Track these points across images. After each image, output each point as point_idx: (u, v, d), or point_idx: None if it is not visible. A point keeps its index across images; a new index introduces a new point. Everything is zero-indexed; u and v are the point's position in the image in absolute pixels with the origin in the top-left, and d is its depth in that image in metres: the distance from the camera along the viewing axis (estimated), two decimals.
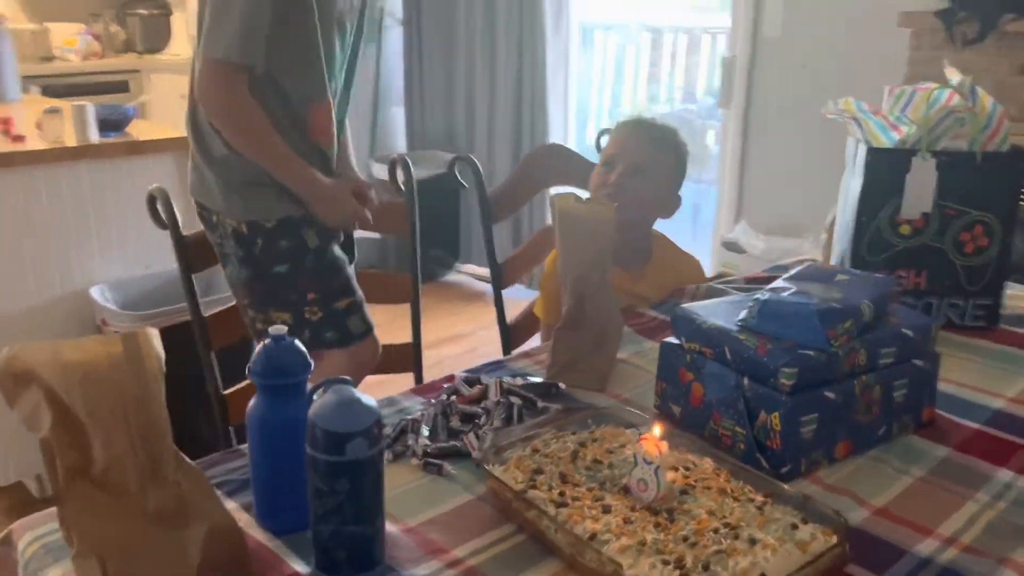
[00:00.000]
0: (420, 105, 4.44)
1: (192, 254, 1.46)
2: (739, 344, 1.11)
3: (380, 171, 4.07)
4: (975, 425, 1.22)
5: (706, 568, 0.83)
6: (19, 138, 2.38)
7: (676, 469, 1.00)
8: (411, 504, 1.02)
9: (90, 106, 2.36)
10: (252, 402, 0.93)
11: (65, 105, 2.42)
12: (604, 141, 1.87)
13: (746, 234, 3.22)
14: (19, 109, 2.99)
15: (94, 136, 2.36)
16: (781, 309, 1.11)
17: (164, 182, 2.41)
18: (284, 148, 1.47)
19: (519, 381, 1.30)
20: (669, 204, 1.68)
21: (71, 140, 2.35)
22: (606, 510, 0.92)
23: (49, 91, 4.74)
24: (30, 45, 4.93)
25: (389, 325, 1.77)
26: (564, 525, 0.91)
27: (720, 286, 1.60)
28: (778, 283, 1.21)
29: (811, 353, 1.07)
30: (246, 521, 0.97)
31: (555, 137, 3.93)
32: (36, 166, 2.25)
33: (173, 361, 0.84)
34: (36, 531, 0.94)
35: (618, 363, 1.38)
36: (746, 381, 1.10)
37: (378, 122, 4.48)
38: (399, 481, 1.07)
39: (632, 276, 1.66)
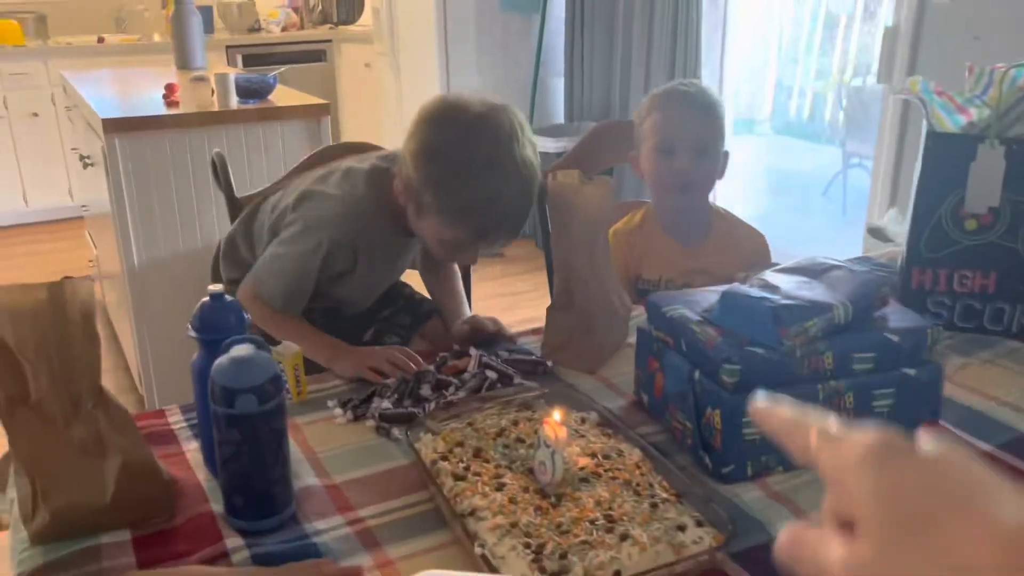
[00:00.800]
0: (579, 76, 4.42)
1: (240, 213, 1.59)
2: (693, 336, 1.06)
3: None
4: (987, 447, 1.09)
5: (562, 557, 0.83)
6: (175, 103, 2.66)
7: (594, 456, 0.99)
8: (345, 462, 1.08)
9: (231, 75, 2.59)
10: (195, 356, 1.02)
11: (208, 73, 2.67)
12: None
13: (894, 222, 2.96)
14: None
15: (233, 102, 2.59)
16: (739, 303, 1.04)
17: (291, 145, 2.65)
18: (310, 344, 1.33)
19: (508, 356, 1.32)
20: (721, 167, 1.61)
21: (214, 106, 2.60)
22: (498, 488, 0.93)
23: (250, 60, 5.21)
24: (237, 17, 5.43)
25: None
26: (453, 498, 0.93)
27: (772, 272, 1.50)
28: (769, 273, 1.14)
29: (759, 351, 1.00)
30: (197, 461, 1.07)
31: None
32: (182, 129, 2.51)
33: None
34: None
35: (626, 347, 1.36)
36: (697, 374, 1.05)
37: (537, 92, 4.52)
38: (346, 440, 1.13)
39: (690, 251, 1.61)
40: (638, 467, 0.97)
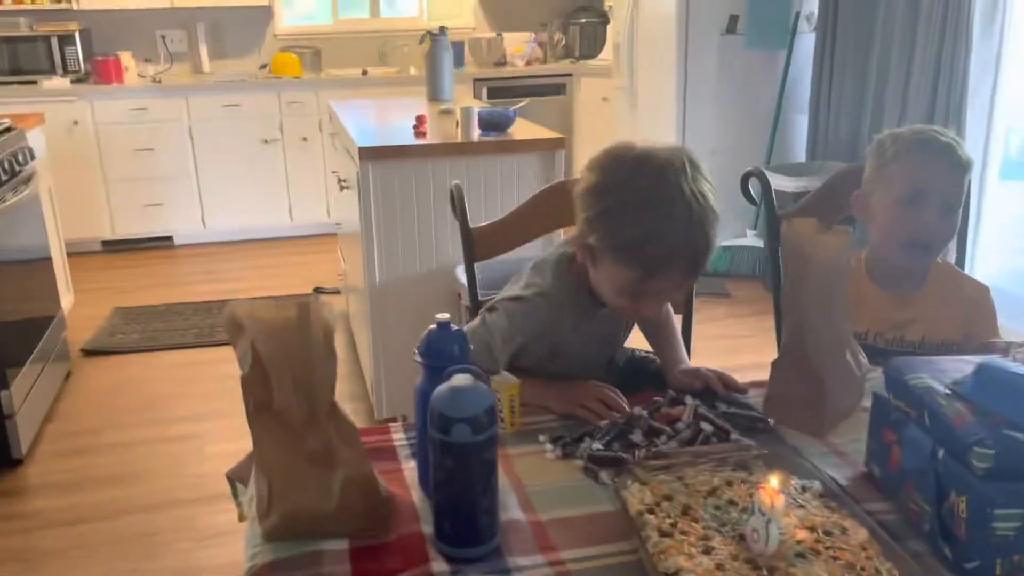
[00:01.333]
0: (826, 113, 4.21)
1: (477, 244, 1.65)
2: (938, 409, 0.95)
3: (774, 182, 3.98)
4: None
5: None
6: (423, 134, 2.84)
7: (813, 530, 0.92)
8: (552, 500, 1.08)
9: (474, 109, 2.72)
10: (418, 380, 1.07)
11: (453, 106, 2.82)
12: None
13: None
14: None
15: (475, 135, 2.72)
16: (1001, 378, 0.93)
17: (526, 177, 2.73)
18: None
19: (727, 409, 1.26)
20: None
21: (457, 138, 2.74)
22: (706, 551, 0.89)
23: (495, 92, 5.46)
24: (485, 52, 5.71)
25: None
26: (658, 554, 0.90)
27: None
28: None
29: (1019, 436, 0.88)
30: (413, 480, 1.12)
31: (973, 149, 3.45)
32: (426, 159, 2.67)
33: None
34: None
35: (860, 411, 1.26)
36: (941, 453, 0.94)
37: (778, 129, 4.36)
38: (554, 477, 1.13)
39: (902, 301, 1.47)
40: (863, 548, 0.89)
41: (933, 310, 1.47)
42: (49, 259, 3.38)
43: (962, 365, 1.02)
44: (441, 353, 1.04)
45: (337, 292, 4.22)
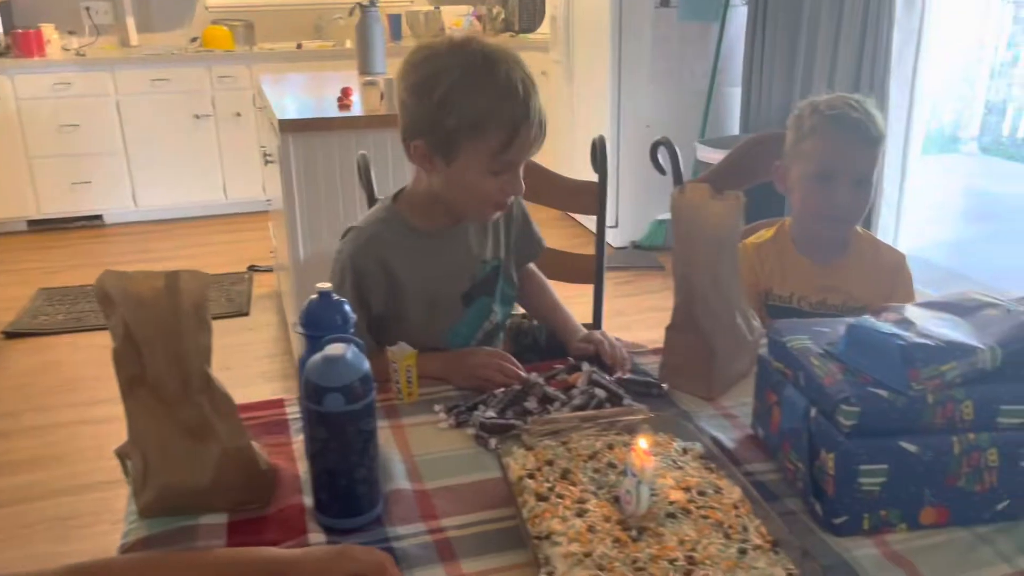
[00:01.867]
0: (758, 86, 4.25)
1: None
2: (812, 370, 0.97)
3: (706, 154, 4.01)
4: None
5: None
6: (347, 106, 2.80)
7: (688, 490, 0.93)
8: (440, 469, 1.07)
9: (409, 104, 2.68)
10: (302, 351, 1.05)
11: (378, 78, 2.77)
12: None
13: None
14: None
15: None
16: (867, 338, 0.94)
17: None
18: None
19: (621, 374, 1.27)
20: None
21: (382, 110, 2.70)
22: (580, 514, 0.89)
23: None
24: (423, 25, 5.64)
25: (573, 302, 1.76)
26: (532, 519, 0.90)
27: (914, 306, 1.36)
28: (909, 307, 1.03)
29: (882, 393, 0.90)
30: (301, 453, 1.10)
31: (895, 123, 3.52)
32: (349, 131, 2.63)
33: None
34: None
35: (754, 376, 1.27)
36: (813, 412, 0.96)
37: (712, 103, 4.38)
38: (445, 447, 1.13)
39: (825, 268, 1.50)
40: (735, 508, 0.90)
41: (854, 277, 1.49)
42: None
43: (840, 327, 1.03)
44: (321, 323, 1.03)
45: (270, 270, 4.15)
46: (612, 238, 4.49)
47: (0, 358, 3.34)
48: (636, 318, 3.59)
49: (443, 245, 1.40)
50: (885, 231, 3.70)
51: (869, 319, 0.98)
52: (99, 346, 3.41)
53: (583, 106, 4.67)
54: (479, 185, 1.29)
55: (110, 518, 2.28)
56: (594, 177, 1.73)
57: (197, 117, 5.02)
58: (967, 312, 1.00)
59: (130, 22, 5.26)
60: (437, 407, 1.21)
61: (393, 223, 1.38)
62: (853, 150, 1.42)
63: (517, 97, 1.23)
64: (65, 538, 2.21)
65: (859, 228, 1.53)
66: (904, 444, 0.90)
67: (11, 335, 3.52)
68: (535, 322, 1.62)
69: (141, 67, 4.88)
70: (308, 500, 1.00)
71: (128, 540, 0.95)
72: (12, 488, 2.46)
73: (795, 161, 1.49)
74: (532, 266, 1.59)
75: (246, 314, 3.74)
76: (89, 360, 3.29)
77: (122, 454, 1.18)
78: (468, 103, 1.22)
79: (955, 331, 0.95)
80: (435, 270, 1.39)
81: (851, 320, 0.98)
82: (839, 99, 1.45)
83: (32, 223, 4.95)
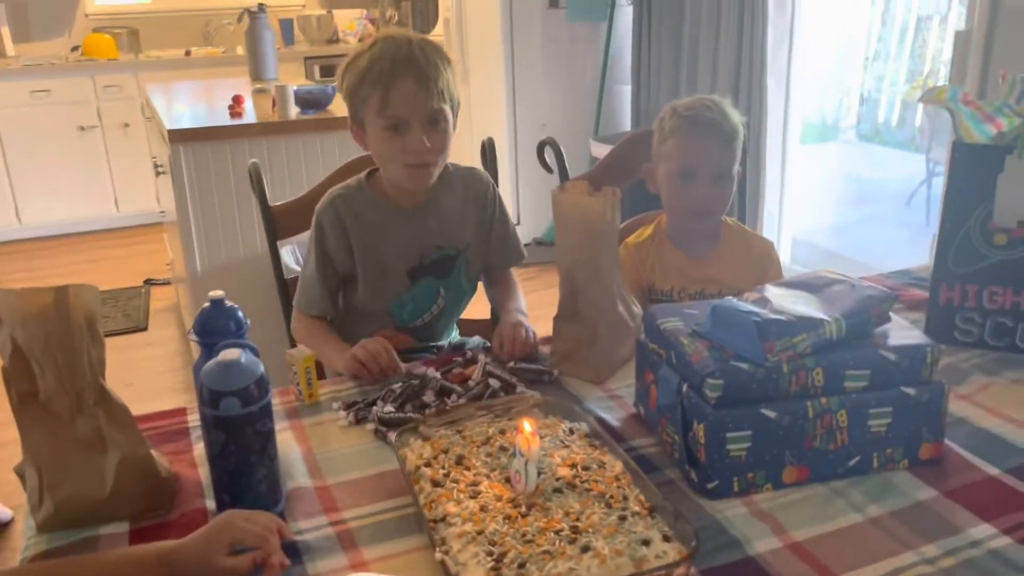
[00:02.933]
0: (647, 83, 4.40)
1: (278, 224, 1.65)
2: (681, 349, 1.05)
3: (600, 150, 4.13)
4: (993, 471, 1.05)
5: (521, 566, 0.84)
6: (239, 114, 2.78)
7: (574, 467, 0.99)
8: (340, 465, 1.11)
9: (290, 87, 2.68)
10: (196, 359, 1.07)
11: (270, 85, 2.77)
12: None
13: None
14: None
15: (292, 113, 2.68)
16: (727, 317, 1.03)
17: (348, 154, 2.72)
18: (325, 352, 1.43)
19: (514, 364, 1.33)
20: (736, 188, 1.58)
21: (274, 117, 2.70)
22: (474, 496, 0.95)
23: (327, 70, 5.36)
24: (316, 29, 5.60)
25: (476, 298, 1.82)
26: (428, 504, 0.95)
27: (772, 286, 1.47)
28: (768, 287, 1.12)
29: (743, 366, 0.99)
30: (202, 458, 1.12)
31: (773, 115, 3.71)
32: (241, 139, 2.61)
33: None
34: None
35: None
36: (685, 388, 1.04)
37: (604, 100, 4.52)
38: (345, 443, 1.17)
39: (699, 261, 1.59)
40: (617, 480, 0.97)
41: (727, 266, 1.59)
42: None
43: (707, 308, 1.12)
44: (215, 330, 1.05)
45: (168, 283, 4.07)
46: None
47: None
48: (541, 312, 3.65)
49: (401, 220, 1.51)
50: (770, 218, 3.89)
51: (731, 299, 1.06)
52: None
53: (479, 106, 4.73)
54: (386, 145, 1.43)
55: (6, 544, 2.22)
56: None
57: (82, 129, 4.87)
58: (818, 289, 1.10)
59: (4, 31, 5.05)
60: (336, 405, 1.25)
61: (360, 192, 1.52)
62: (709, 147, 1.52)
63: (383, 60, 1.38)
64: None
65: (728, 220, 1.63)
66: (765, 411, 0.99)
67: None
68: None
69: (19, 78, 4.70)
70: (211, 503, 1.02)
71: (27, 555, 0.96)
72: None
73: (660, 161, 1.59)
74: (511, 271, 1.68)
75: (145, 329, 3.66)
76: None
77: (20, 472, 1.18)
78: (351, 74, 1.42)
79: (806, 306, 1.04)
80: (388, 241, 1.51)
81: (715, 301, 1.06)
82: (696, 101, 1.54)
83: None
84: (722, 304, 1.05)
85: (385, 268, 1.51)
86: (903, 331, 1.06)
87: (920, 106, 5.09)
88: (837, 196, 5.12)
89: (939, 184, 4.71)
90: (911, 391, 1.02)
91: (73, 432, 0.98)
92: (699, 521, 0.96)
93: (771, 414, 0.99)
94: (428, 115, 1.41)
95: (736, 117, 1.53)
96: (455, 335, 1.69)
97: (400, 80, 1.38)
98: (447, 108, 1.44)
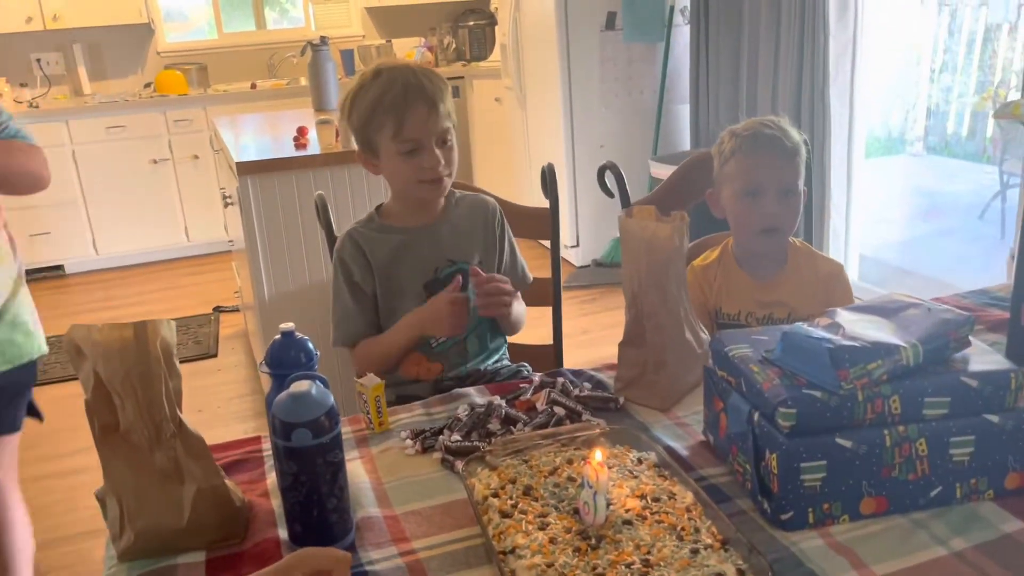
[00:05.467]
0: (705, 102, 4.37)
1: None
2: (751, 376, 1.03)
3: (659, 171, 4.11)
4: None
5: None
6: (303, 145, 2.84)
7: (643, 498, 0.98)
8: (408, 494, 1.12)
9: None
10: (269, 390, 1.09)
11: (333, 116, 2.83)
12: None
13: None
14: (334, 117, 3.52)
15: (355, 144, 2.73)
16: (799, 343, 1.01)
17: None
18: (394, 339, 1.55)
19: (580, 391, 1.32)
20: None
21: (337, 147, 2.75)
22: (542, 527, 0.94)
23: None
24: (375, 59, 5.71)
25: (534, 323, 1.82)
26: (497, 535, 0.95)
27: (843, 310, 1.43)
28: (840, 311, 1.10)
29: (816, 394, 0.97)
30: (275, 488, 1.14)
31: (837, 130, 3.65)
32: (306, 170, 2.67)
33: None
34: None
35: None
36: (756, 416, 1.02)
37: (662, 121, 4.50)
38: (413, 472, 1.17)
39: (766, 285, 1.57)
40: (688, 511, 0.96)
41: (795, 289, 1.56)
42: None
43: (777, 334, 1.10)
44: (285, 361, 1.07)
45: (236, 310, 4.17)
46: (574, 257, 4.57)
47: None
48: (600, 335, 3.66)
49: (413, 240, 1.59)
50: (836, 235, 3.81)
51: (802, 326, 1.04)
52: (65, 397, 3.40)
53: (537, 130, 4.76)
54: (400, 168, 1.52)
55: (85, 570, 2.28)
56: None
57: (155, 162, 5.04)
58: (892, 313, 1.07)
59: (82, 71, 5.28)
60: (403, 434, 1.26)
61: (372, 223, 1.61)
62: (772, 163, 1.51)
63: (396, 87, 1.47)
64: None
65: (796, 241, 1.61)
66: (840, 440, 0.96)
67: None
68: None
69: (95, 115, 4.90)
70: (283, 533, 1.04)
71: None
72: None
73: (723, 184, 1.58)
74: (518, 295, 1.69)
75: (214, 355, 3.75)
76: (56, 412, 3.26)
77: (100, 497, 1.22)
78: (361, 103, 1.50)
79: (880, 331, 1.01)
80: (403, 261, 1.58)
81: (785, 327, 1.04)
82: (754, 121, 1.54)
83: None
84: (793, 330, 1.03)
85: (403, 288, 1.58)
86: (984, 356, 1.03)
87: (991, 117, 4.94)
88: (905, 211, 4.99)
89: (1014, 196, 4.56)
90: (995, 419, 0.99)
91: (152, 463, 1.01)
92: (774, 554, 0.94)
93: (846, 443, 0.97)
94: (439, 135, 1.51)
95: (796, 134, 1.51)
96: (502, 362, 1.68)
97: (413, 107, 1.46)
98: (452, 127, 1.54)
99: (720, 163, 1.56)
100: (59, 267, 5.07)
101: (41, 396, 3.42)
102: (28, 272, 5.02)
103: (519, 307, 1.65)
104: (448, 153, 1.53)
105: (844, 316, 1.06)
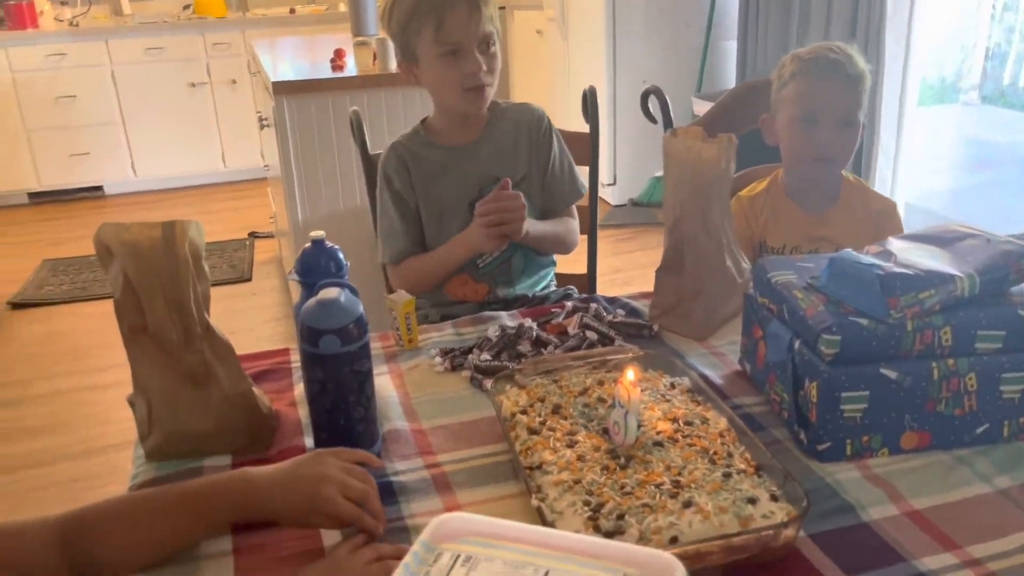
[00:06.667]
0: (753, 39, 4.22)
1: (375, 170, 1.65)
2: (795, 303, 0.99)
3: (702, 108, 4.00)
4: None
5: (619, 518, 0.81)
6: (340, 67, 2.80)
7: (675, 421, 0.96)
8: (435, 409, 1.10)
9: (390, 40, 2.68)
10: (297, 299, 1.08)
11: (371, 39, 2.77)
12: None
13: None
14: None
15: (392, 66, 2.68)
16: (847, 270, 0.96)
17: None
18: (440, 258, 1.53)
19: (613, 317, 1.29)
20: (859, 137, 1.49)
21: (375, 70, 2.70)
22: (570, 445, 0.92)
23: None
24: None
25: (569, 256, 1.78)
26: (524, 451, 0.93)
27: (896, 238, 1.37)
28: (892, 240, 1.05)
29: (863, 322, 0.92)
30: (302, 397, 1.13)
31: (891, 74, 3.51)
32: (343, 91, 2.63)
33: None
34: None
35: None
36: (797, 344, 0.98)
37: (708, 57, 4.36)
38: (441, 388, 1.16)
39: (816, 218, 1.51)
40: (721, 436, 0.93)
41: (845, 225, 1.50)
42: None
43: (824, 261, 1.05)
44: (315, 269, 1.05)
45: (271, 236, 4.18)
46: (610, 196, 4.50)
47: (7, 329, 3.38)
48: (634, 274, 3.61)
49: (458, 157, 1.54)
50: (883, 182, 3.70)
51: (851, 252, 1.00)
52: (103, 314, 3.45)
53: (578, 63, 4.65)
54: (442, 74, 1.46)
55: (118, 479, 2.33)
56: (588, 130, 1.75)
57: (193, 85, 5.02)
58: (947, 243, 1.02)
59: None
60: (433, 351, 1.24)
61: (416, 137, 1.58)
62: (834, 89, 1.43)
63: None
64: (77, 500, 2.23)
65: (850, 175, 1.54)
66: (885, 371, 0.93)
67: (17, 306, 3.56)
68: None
69: (134, 36, 4.86)
70: (309, 441, 1.03)
71: (136, 482, 0.99)
72: (25, 453, 2.51)
73: (779, 109, 1.50)
74: (571, 215, 1.66)
75: (248, 280, 3.77)
76: (94, 328, 3.33)
77: (131, 401, 1.22)
78: (400, 10, 1.46)
79: (935, 261, 0.97)
80: (447, 178, 1.54)
81: (833, 254, 1.00)
82: (819, 45, 1.46)
83: (33, 195, 4.97)
84: (841, 256, 0.98)
85: (446, 205, 1.54)
86: None
87: None
88: (955, 160, 4.84)
89: None
90: None
91: (180, 365, 1.00)
92: (808, 483, 0.91)
93: (891, 374, 0.93)
94: (481, 39, 1.44)
95: (862, 62, 1.43)
96: (550, 287, 1.65)
97: (453, 7, 1.41)
98: (495, 32, 1.48)
99: (779, 87, 1.48)
100: (99, 188, 5.10)
101: (81, 311, 3.49)
102: (69, 192, 5.05)
103: (565, 224, 1.61)
104: (491, 60, 1.47)
105: (896, 244, 1.01)
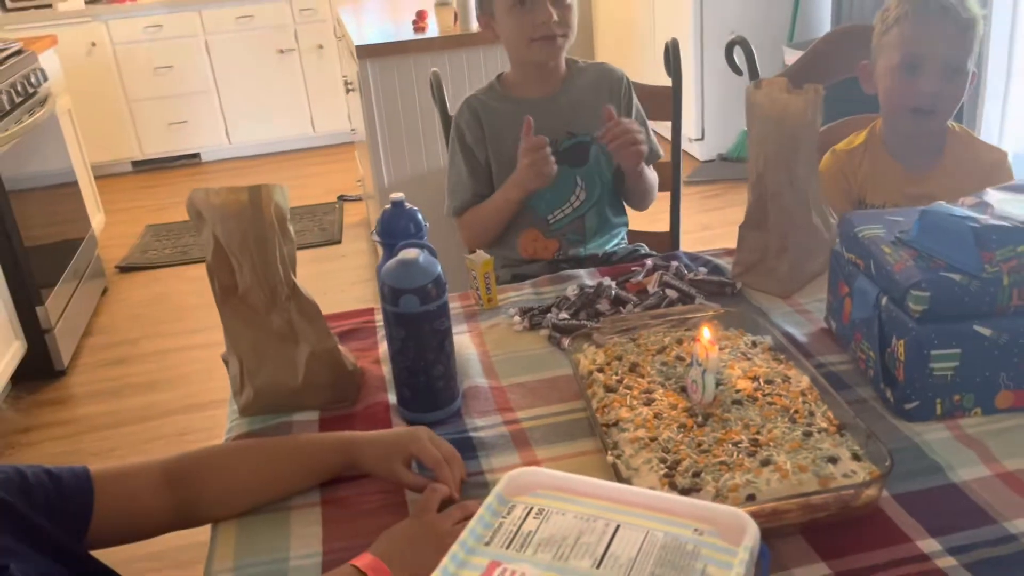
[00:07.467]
0: None
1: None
2: (882, 257, 0.96)
3: (794, 58, 3.85)
4: None
5: (696, 475, 0.81)
6: (422, 28, 2.80)
7: (755, 379, 0.94)
8: (513, 367, 1.12)
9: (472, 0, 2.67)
10: (380, 259, 1.10)
11: (454, 0, 2.77)
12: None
13: None
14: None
15: (474, 26, 2.67)
16: (939, 222, 0.93)
17: None
18: (495, 203, 1.53)
19: (695, 275, 1.28)
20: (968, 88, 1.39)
21: (456, 30, 2.70)
22: (647, 403, 0.92)
23: None
24: None
25: (651, 210, 1.75)
26: (601, 408, 0.93)
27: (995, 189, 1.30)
28: (990, 191, 1.00)
29: (954, 277, 0.89)
30: (386, 355, 1.16)
31: (1001, 8, 3.30)
32: (425, 53, 2.64)
33: None
34: None
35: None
36: (884, 301, 0.95)
37: (801, 5, 4.19)
38: (520, 347, 1.17)
39: (918, 176, 1.42)
40: (802, 395, 0.92)
41: (950, 183, 1.38)
42: (75, 182, 3.46)
43: (914, 215, 1.01)
44: (395, 230, 1.07)
45: (359, 199, 4.26)
46: (698, 151, 4.40)
47: (116, 291, 3.56)
48: (721, 231, 3.54)
49: (533, 109, 1.51)
50: (990, 127, 3.50)
51: (943, 204, 0.95)
52: (202, 277, 3.58)
53: (664, 13, 4.53)
54: (514, 22, 1.47)
55: (220, 433, 2.44)
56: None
57: (281, 52, 5.12)
58: None
59: None
60: (511, 310, 1.25)
61: (492, 91, 1.59)
62: (941, 33, 1.34)
63: None
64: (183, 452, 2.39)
65: (955, 125, 1.44)
66: (978, 328, 0.89)
67: (124, 269, 3.74)
68: None
69: (225, 5, 4.98)
70: (392, 397, 1.06)
71: (231, 436, 1.04)
72: (133, 408, 2.66)
73: (881, 54, 1.42)
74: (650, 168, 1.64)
75: (338, 242, 3.86)
76: (195, 290, 3.47)
77: (226, 359, 1.28)
78: None
79: None
80: (520, 129, 1.49)
81: (924, 207, 0.96)
82: None
83: (136, 164, 5.19)
84: (932, 209, 0.94)
85: (519, 158, 1.52)
86: None
87: None
88: None
89: None
90: None
91: (268, 324, 1.04)
92: (894, 443, 0.89)
93: (985, 331, 0.89)
94: None
95: (976, 5, 1.33)
96: (621, 245, 1.63)
97: None
98: None
99: (882, 31, 1.39)
100: (196, 155, 5.29)
101: (182, 274, 3.65)
102: (169, 159, 5.23)
103: (651, 174, 1.59)
104: (564, 12, 1.46)
105: (994, 195, 0.96)
